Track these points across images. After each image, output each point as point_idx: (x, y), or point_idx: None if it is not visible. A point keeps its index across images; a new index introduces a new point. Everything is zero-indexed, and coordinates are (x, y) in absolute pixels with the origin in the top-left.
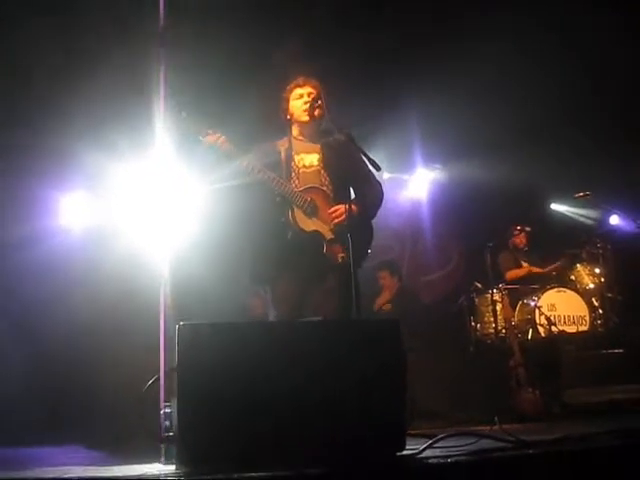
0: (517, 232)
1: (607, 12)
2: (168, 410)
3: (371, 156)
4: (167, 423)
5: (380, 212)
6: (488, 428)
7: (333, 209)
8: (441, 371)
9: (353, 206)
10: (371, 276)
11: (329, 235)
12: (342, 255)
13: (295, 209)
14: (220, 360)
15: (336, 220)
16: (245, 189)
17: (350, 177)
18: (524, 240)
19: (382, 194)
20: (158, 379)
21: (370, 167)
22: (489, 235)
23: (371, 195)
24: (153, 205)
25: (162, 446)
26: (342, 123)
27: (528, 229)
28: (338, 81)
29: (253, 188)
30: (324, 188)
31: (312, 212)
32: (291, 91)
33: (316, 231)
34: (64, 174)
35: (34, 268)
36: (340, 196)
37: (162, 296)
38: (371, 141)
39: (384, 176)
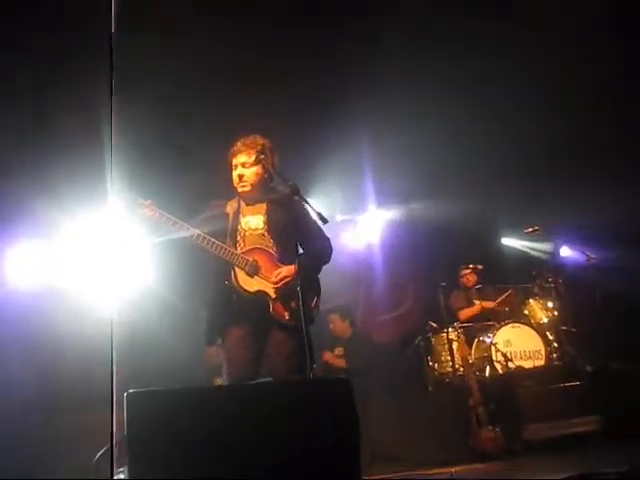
0: (467, 271)
1: None
2: (122, 477)
3: (316, 209)
4: None
5: (332, 256)
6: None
7: (276, 272)
8: (400, 413)
9: (293, 267)
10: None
11: (273, 294)
12: (287, 313)
13: (237, 270)
14: (170, 426)
15: (278, 285)
16: (189, 252)
17: (295, 234)
18: (473, 278)
19: (330, 248)
20: (109, 449)
21: (317, 220)
22: (443, 274)
23: (316, 251)
24: (102, 260)
25: None
26: (290, 170)
27: (479, 267)
28: (286, 123)
29: (197, 252)
30: (268, 249)
31: (254, 271)
32: (230, 158)
33: (260, 291)
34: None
35: None
36: (285, 256)
37: (113, 360)
38: (322, 184)
39: (337, 218)
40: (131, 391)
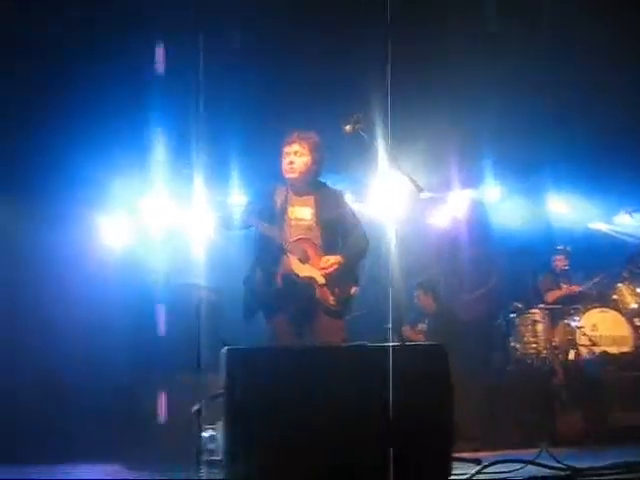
0: (559, 256)
1: None
2: (212, 433)
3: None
4: (211, 446)
5: (418, 231)
6: (534, 451)
7: (325, 259)
8: (481, 392)
9: (339, 256)
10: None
11: (321, 280)
12: (332, 298)
13: (290, 256)
14: (267, 384)
15: (326, 270)
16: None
17: (339, 230)
18: (564, 262)
19: (367, 245)
20: (205, 403)
21: (358, 220)
22: (529, 256)
23: (356, 247)
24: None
25: (204, 470)
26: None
27: (568, 249)
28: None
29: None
30: (315, 240)
31: (305, 259)
32: (282, 148)
33: (309, 277)
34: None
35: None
36: (329, 247)
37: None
38: (411, 159)
39: (421, 196)
40: (228, 348)
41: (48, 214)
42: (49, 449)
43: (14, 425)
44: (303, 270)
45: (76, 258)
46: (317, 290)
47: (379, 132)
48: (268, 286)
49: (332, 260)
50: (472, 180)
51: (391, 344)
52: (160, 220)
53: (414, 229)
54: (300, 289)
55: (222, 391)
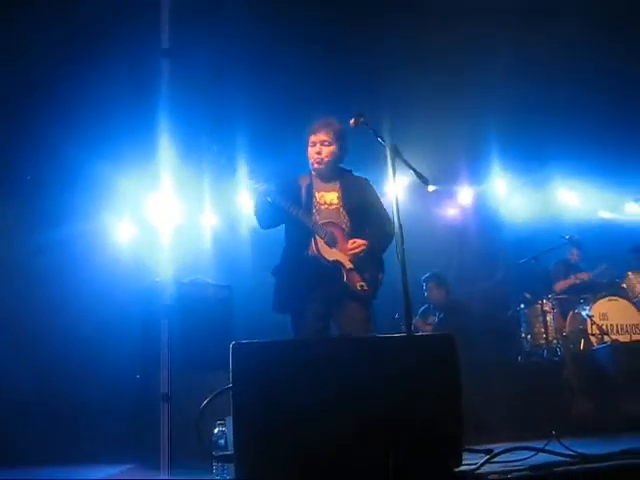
0: (570, 244)
1: None
2: (222, 429)
3: (417, 169)
4: (222, 442)
5: (427, 225)
6: (545, 441)
7: (352, 241)
8: (493, 383)
9: (367, 241)
10: (419, 288)
11: (348, 265)
12: (361, 283)
13: (318, 239)
14: (274, 378)
15: (354, 251)
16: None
17: (365, 216)
18: (577, 253)
19: (393, 232)
20: (213, 398)
21: (382, 206)
22: (537, 246)
23: (381, 234)
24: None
25: (217, 465)
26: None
27: (577, 238)
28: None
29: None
30: (342, 225)
31: (332, 243)
32: (309, 136)
33: (336, 260)
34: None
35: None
36: (355, 232)
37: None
38: (421, 152)
39: (429, 189)
40: (235, 342)
41: (53, 212)
42: (57, 450)
43: (19, 427)
44: (331, 254)
45: (82, 256)
46: (345, 274)
47: (384, 126)
48: (298, 271)
49: (359, 241)
50: (479, 173)
51: (399, 335)
52: (168, 217)
53: (422, 222)
54: (329, 272)
55: (230, 386)
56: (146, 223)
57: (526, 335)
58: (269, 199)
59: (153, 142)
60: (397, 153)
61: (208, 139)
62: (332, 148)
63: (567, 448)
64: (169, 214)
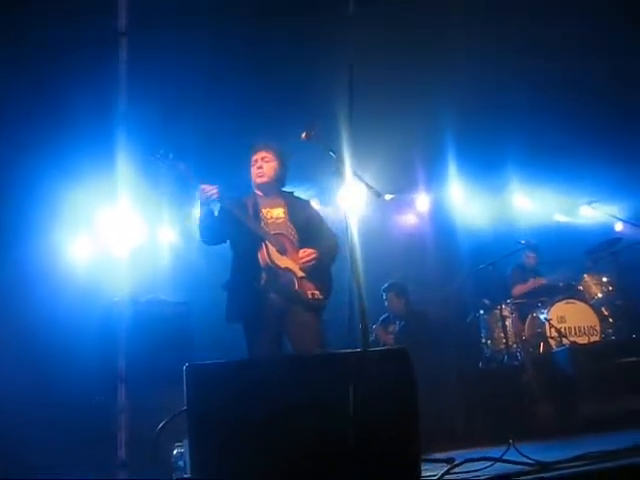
0: (527, 248)
1: None
2: (181, 450)
3: (369, 183)
4: (181, 463)
5: (385, 234)
6: (503, 449)
7: (303, 250)
8: (453, 391)
9: (316, 251)
10: (378, 299)
11: (300, 273)
12: (312, 292)
13: (269, 245)
14: (228, 399)
15: (305, 259)
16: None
17: (311, 231)
18: (534, 257)
19: (338, 247)
20: (170, 420)
21: (325, 222)
22: (494, 252)
23: (329, 246)
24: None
25: None
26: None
27: (534, 242)
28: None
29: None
30: (290, 237)
31: (283, 251)
32: (251, 156)
33: (288, 268)
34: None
35: None
36: (303, 244)
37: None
38: (375, 162)
39: (386, 198)
40: (188, 364)
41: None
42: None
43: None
44: (283, 261)
45: (36, 275)
46: (296, 282)
47: (339, 137)
48: (249, 280)
49: (310, 251)
50: (436, 180)
51: (353, 350)
52: (124, 234)
53: (381, 231)
54: (281, 280)
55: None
56: (102, 240)
57: (486, 341)
58: (216, 208)
59: (109, 152)
60: (350, 166)
61: (164, 147)
62: (274, 164)
63: (524, 456)
64: (125, 230)
